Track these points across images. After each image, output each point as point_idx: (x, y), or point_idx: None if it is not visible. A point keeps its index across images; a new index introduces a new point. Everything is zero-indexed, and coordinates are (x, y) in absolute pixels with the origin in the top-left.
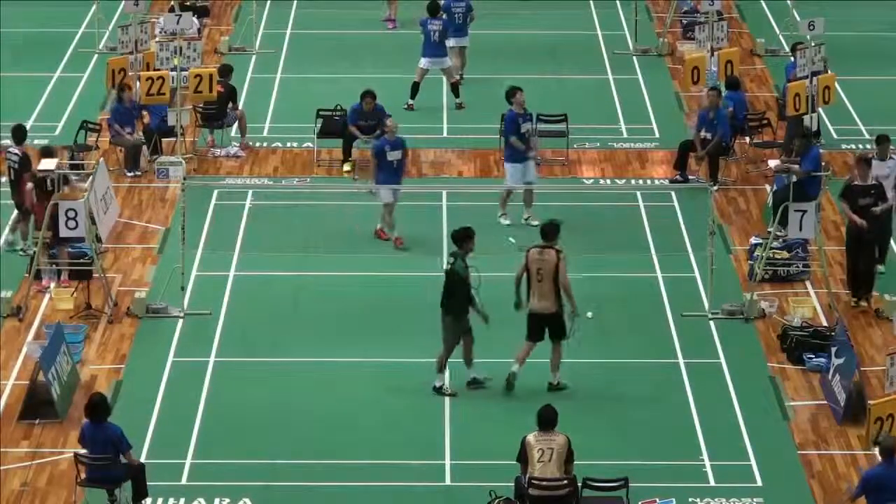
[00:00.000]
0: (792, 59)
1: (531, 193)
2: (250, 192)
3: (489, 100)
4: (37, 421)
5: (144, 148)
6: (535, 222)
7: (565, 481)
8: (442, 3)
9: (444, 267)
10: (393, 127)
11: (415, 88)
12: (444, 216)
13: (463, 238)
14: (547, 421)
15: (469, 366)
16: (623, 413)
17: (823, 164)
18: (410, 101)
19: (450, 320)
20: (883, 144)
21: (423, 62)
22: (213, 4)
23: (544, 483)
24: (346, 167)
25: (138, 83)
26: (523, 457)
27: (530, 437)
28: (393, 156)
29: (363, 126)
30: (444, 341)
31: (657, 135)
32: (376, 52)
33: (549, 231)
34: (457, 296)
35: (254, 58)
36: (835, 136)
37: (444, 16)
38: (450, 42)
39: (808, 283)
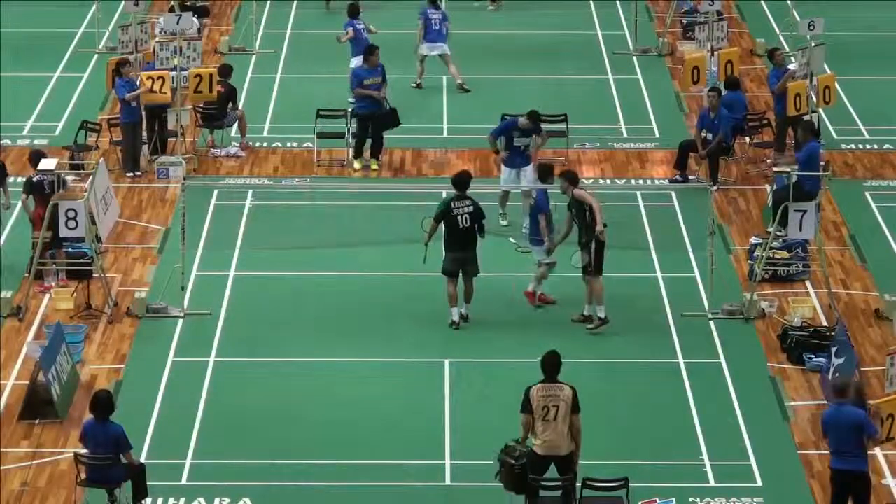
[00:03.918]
0: (772, 66)
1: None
2: (250, 192)
3: (489, 100)
4: (37, 421)
5: (145, 148)
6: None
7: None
8: (421, 10)
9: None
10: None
11: None
12: None
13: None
14: (551, 369)
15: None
16: (623, 413)
17: (823, 163)
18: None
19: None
20: None
21: (354, 62)
22: (213, 4)
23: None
24: (374, 165)
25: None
26: (527, 408)
27: (534, 391)
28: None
29: (369, 84)
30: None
31: (657, 135)
32: None
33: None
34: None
35: (254, 58)
36: (835, 136)
37: (361, 22)
38: (423, 49)
39: (808, 283)
